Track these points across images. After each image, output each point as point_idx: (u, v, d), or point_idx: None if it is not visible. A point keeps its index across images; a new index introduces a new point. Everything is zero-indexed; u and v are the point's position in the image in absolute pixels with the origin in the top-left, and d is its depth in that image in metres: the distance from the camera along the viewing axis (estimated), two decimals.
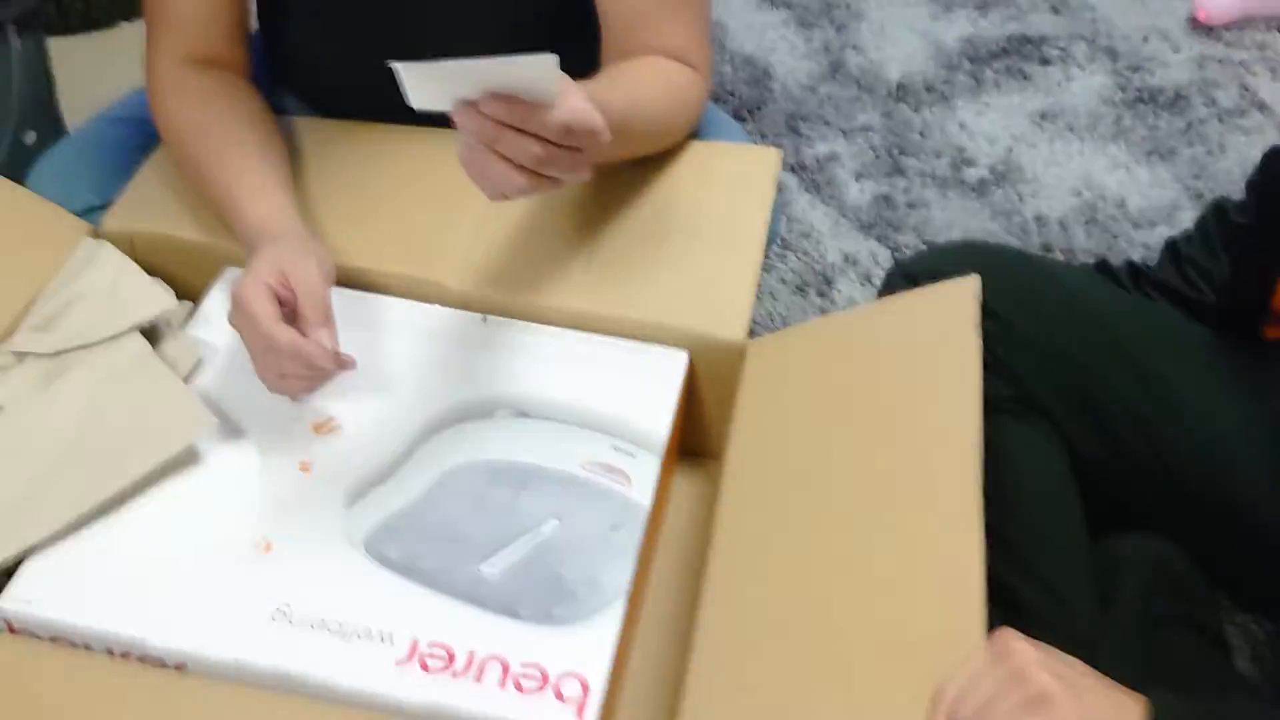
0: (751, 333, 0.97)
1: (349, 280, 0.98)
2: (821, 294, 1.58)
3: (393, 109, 1.08)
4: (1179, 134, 1.88)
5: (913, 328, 0.92)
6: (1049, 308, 1.00)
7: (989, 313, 0.89)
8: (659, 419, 0.93)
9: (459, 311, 1.00)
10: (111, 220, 1.05)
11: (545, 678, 0.77)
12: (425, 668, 0.78)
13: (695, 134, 1.10)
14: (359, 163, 1.09)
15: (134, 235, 1.04)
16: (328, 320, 0.86)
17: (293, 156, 1.06)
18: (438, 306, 1.00)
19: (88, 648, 0.80)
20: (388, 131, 1.10)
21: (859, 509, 0.82)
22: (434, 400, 0.94)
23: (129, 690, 0.76)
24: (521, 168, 0.78)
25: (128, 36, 2.03)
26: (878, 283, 1.59)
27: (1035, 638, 0.71)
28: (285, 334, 0.84)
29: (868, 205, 1.73)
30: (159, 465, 0.85)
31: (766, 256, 1.03)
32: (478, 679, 0.77)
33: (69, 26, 1.99)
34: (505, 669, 0.78)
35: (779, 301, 1.56)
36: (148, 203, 1.06)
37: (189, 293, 1.02)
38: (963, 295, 0.89)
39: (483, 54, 0.72)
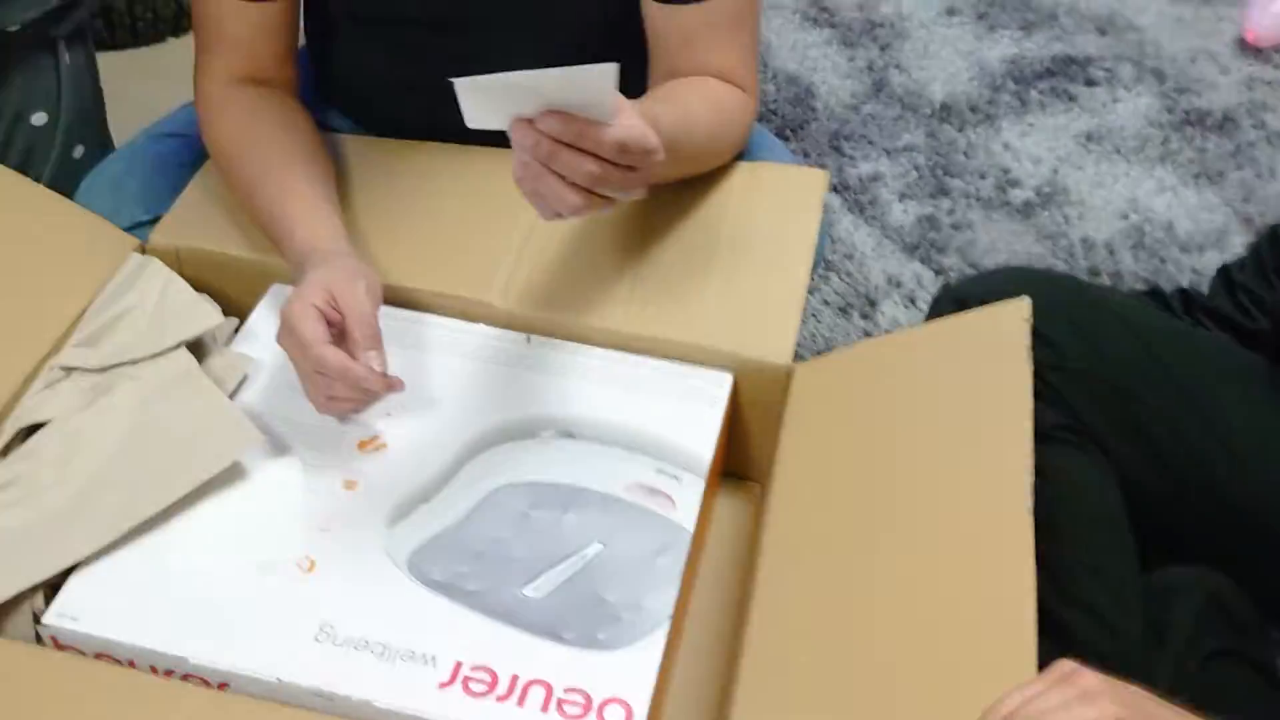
0: (795, 354, 0.96)
1: (394, 299, 0.98)
2: (865, 316, 1.57)
3: (441, 127, 1.10)
4: (1227, 157, 1.86)
5: (962, 352, 0.91)
6: (1101, 334, 0.99)
7: (1040, 339, 0.88)
8: (704, 442, 0.93)
9: (504, 331, 1.00)
10: (159, 236, 1.05)
11: (589, 703, 0.77)
12: (468, 690, 0.77)
13: (742, 154, 1.10)
14: (405, 181, 1.09)
15: (181, 251, 1.04)
16: (376, 342, 0.86)
17: (339, 174, 1.07)
18: (482, 326, 1.00)
19: (131, 664, 0.80)
20: (435, 150, 1.11)
21: (908, 537, 0.81)
22: (478, 420, 0.93)
23: (171, 708, 0.76)
24: (576, 186, 0.78)
25: (175, 52, 2.05)
26: (922, 305, 1.57)
27: None
28: (335, 357, 0.84)
29: (911, 226, 1.71)
30: (205, 482, 0.85)
31: (810, 278, 1.03)
32: (520, 703, 0.77)
33: (117, 42, 2.01)
34: (549, 693, 0.77)
35: (822, 323, 1.55)
36: (195, 219, 1.06)
37: (235, 309, 1.02)
38: (1014, 319, 0.88)
39: None
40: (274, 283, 1.03)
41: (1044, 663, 0.69)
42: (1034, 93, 1.98)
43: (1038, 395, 0.84)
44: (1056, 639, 0.84)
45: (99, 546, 0.82)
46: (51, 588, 0.81)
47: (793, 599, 0.81)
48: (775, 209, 1.06)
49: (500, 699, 0.77)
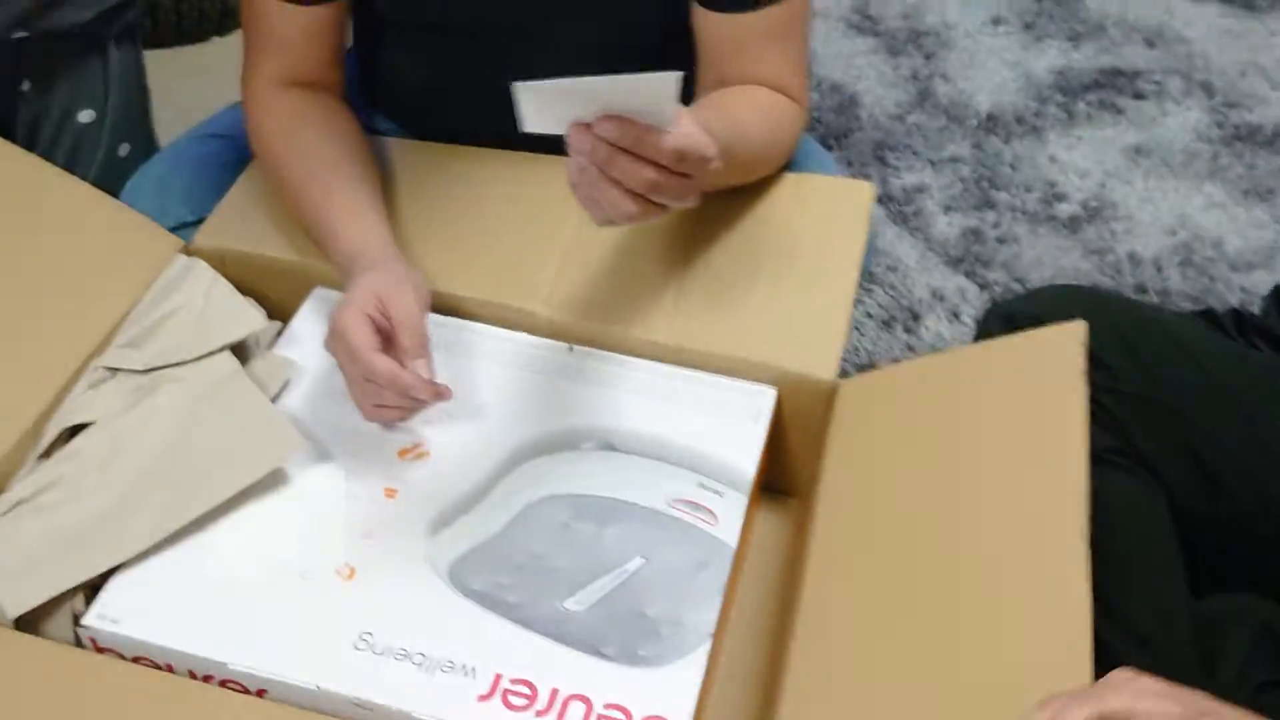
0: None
1: (436, 305, 0.97)
2: (908, 330, 1.55)
3: (485, 132, 1.09)
4: (1278, 174, 1.83)
5: (1015, 373, 0.89)
6: (1154, 356, 0.97)
7: (1092, 360, 0.86)
8: (746, 457, 0.92)
9: (545, 340, 0.99)
10: (203, 237, 1.05)
11: (629, 719, 0.76)
12: (508, 704, 0.76)
13: (789, 165, 1.09)
14: (450, 186, 1.09)
15: (225, 252, 1.04)
16: (425, 350, 0.86)
17: (384, 178, 1.06)
18: (524, 335, 0.99)
19: (170, 669, 0.79)
20: (481, 155, 1.10)
21: (957, 560, 0.80)
22: (520, 429, 0.93)
23: (210, 713, 0.75)
24: (632, 193, 0.77)
25: (219, 51, 2.06)
26: (966, 319, 1.56)
27: None
28: (384, 365, 0.84)
29: (956, 239, 1.70)
30: (247, 486, 0.85)
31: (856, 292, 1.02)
32: (560, 717, 0.76)
33: (161, 40, 2.02)
34: (589, 708, 0.76)
35: (865, 336, 1.54)
36: (240, 220, 1.06)
37: (278, 312, 1.02)
38: (1069, 341, 0.87)
39: None
40: (317, 286, 1.03)
41: None
42: (1081, 105, 1.95)
43: (1089, 417, 0.83)
44: (1105, 667, 0.82)
45: (140, 549, 0.82)
46: (92, 589, 0.81)
47: (837, 619, 0.79)
48: (822, 221, 1.05)
49: (540, 713, 0.76)
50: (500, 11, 1.01)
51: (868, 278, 1.60)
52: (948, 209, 1.75)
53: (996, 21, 2.15)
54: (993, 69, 2.04)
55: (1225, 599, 0.93)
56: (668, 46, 1.03)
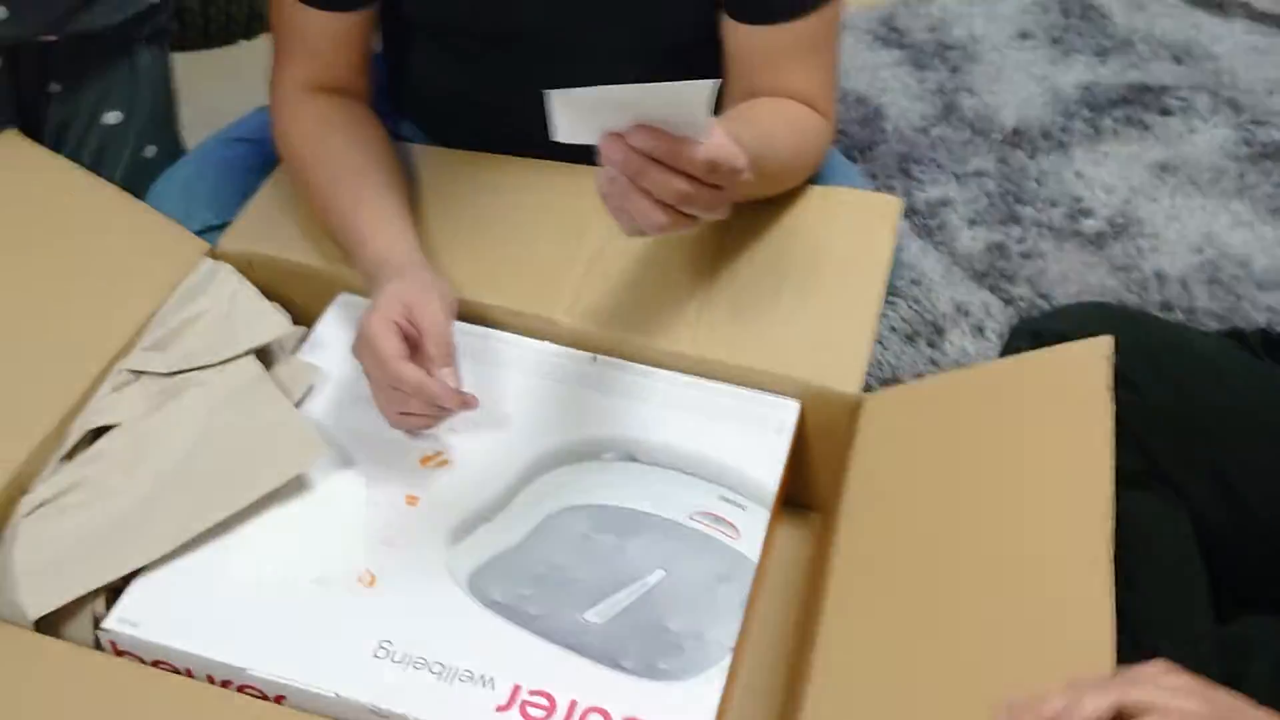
0: None
1: (460, 312, 0.97)
2: (932, 344, 1.54)
3: (512, 140, 1.09)
4: None
5: (1041, 389, 0.89)
6: (1181, 375, 0.96)
7: (1120, 379, 0.86)
8: (769, 470, 0.91)
9: (569, 350, 0.99)
10: (229, 241, 1.05)
11: None
12: (526, 715, 0.76)
13: (815, 177, 1.08)
14: (476, 194, 1.08)
15: (250, 256, 1.04)
16: (451, 359, 0.86)
17: (410, 185, 1.06)
18: (548, 344, 0.99)
19: (189, 673, 0.79)
20: (506, 163, 1.10)
21: (979, 578, 0.79)
22: (542, 439, 0.92)
23: (228, 719, 0.75)
24: (663, 204, 0.76)
25: (245, 55, 2.07)
26: (990, 335, 1.55)
27: None
28: (412, 373, 0.84)
29: (980, 253, 1.69)
30: (269, 492, 0.85)
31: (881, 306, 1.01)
32: None
33: (188, 43, 2.03)
34: None
35: (888, 350, 1.53)
36: (265, 225, 1.06)
37: (302, 317, 1.02)
38: (1094, 357, 0.86)
39: None
40: (341, 292, 1.03)
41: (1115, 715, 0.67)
42: (1108, 120, 1.94)
43: (1115, 436, 0.82)
44: None
45: (162, 553, 0.82)
46: (113, 592, 0.81)
47: (859, 636, 0.79)
48: (848, 235, 1.05)
49: None
50: (529, 17, 1.01)
51: (891, 291, 1.59)
52: (972, 223, 1.74)
53: (1023, 36, 2.14)
54: (1019, 83, 2.03)
55: (1250, 621, 0.92)
56: (696, 55, 1.03)
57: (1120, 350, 0.87)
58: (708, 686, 0.78)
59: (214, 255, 1.04)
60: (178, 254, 1.03)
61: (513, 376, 0.97)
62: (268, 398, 0.91)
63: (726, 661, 0.79)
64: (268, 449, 0.87)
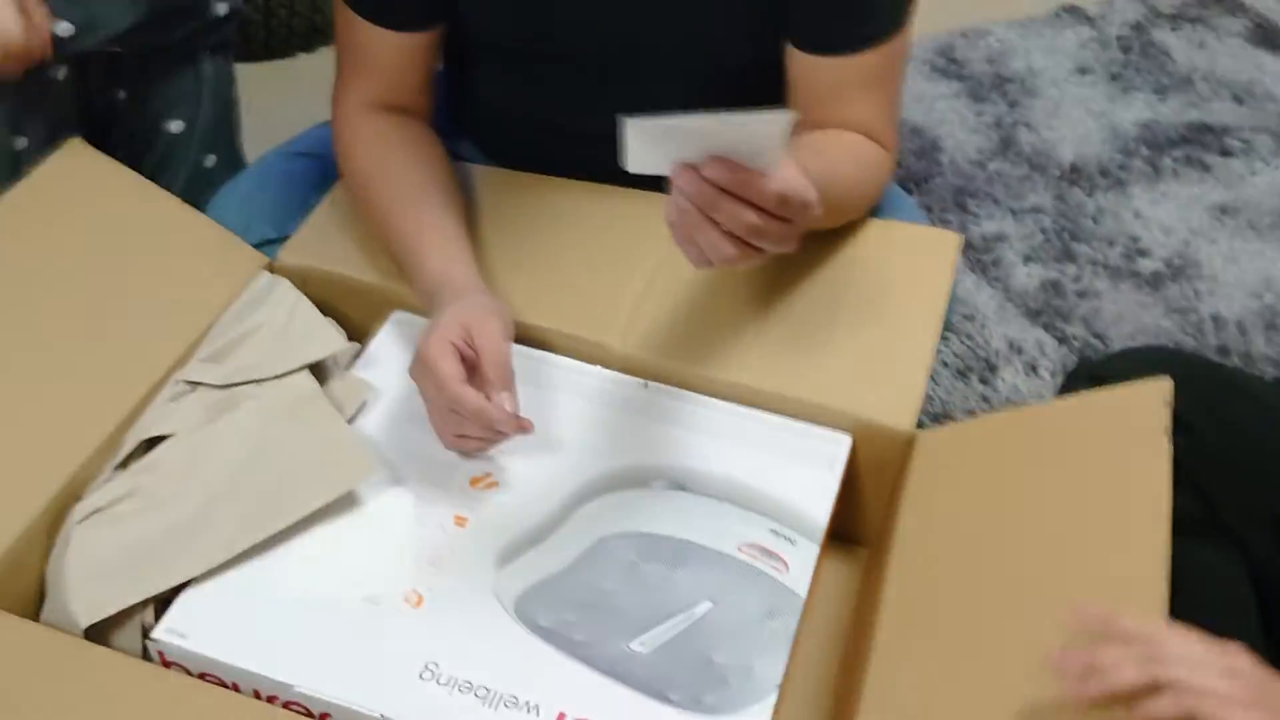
0: None
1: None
2: (984, 381, 1.53)
3: (572, 163, 1.10)
4: None
5: (1097, 432, 0.88)
6: (1242, 422, 0.95)
7: (1178, 424, 0.84)
8: (819, 505, 0.90)
9: (620, 375, 0.99)
10: (287, 255, 1.06)
11: None
12: None
13: (873, 210, 1.08)
14: (532, 215, 1.09)
15: (307, 271, 1.05)
16: (509, 383, 0.86)
17: (468, 204, 1.07)
18: (599, 368, 0.99)
19: (235, 687, 0.79)
20: (564, 185, 1.10)
21: (1031, 621, 0.78)
22: (591, 464, 0.92)
23: None
24: (733, 236, 0.76)
25: (304, 68, 2.09)
26: (1044, 373, 1.53)
27: None
28: (471, 397, 0.84)
29: (1035, 290, 1.67)
30: (320, 508, 0.85)
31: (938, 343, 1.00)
32: None
33: (250, 55, 2.05)
34: None
35: (940, 385, 1.52)
36: (322, 240, 1.07)
37: (356, 333, 1.03)
38: (1152, 400, 0.85)
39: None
40: (396, 309, 1.03)
41: None
42: (1167, 160, 1.92)
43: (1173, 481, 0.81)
44: None
45: (212, 565, 0.82)
46: (162, 602, 0.82)
47: (908, 675, 0.78)
48: (905, 270, 1.04)
49: None
50: (590, 39, 1.01)
51: (945, 325, 1.58)
52: (1028, 259, 1.73)
53: (1082, 71, 2.13)
54: (1077, 119, 2.01)
55: None
56: (759, 84, 1.03)
57: (1179, 395, 0.85)
58: None
59: (271, 269, 1.05)
60: (236, 266, 1.04)
61: (563, 400, 0.96)
62: (321, 413, 0.91)
63: (773, 699, 0.79)
64: (320, 465, 0.88)
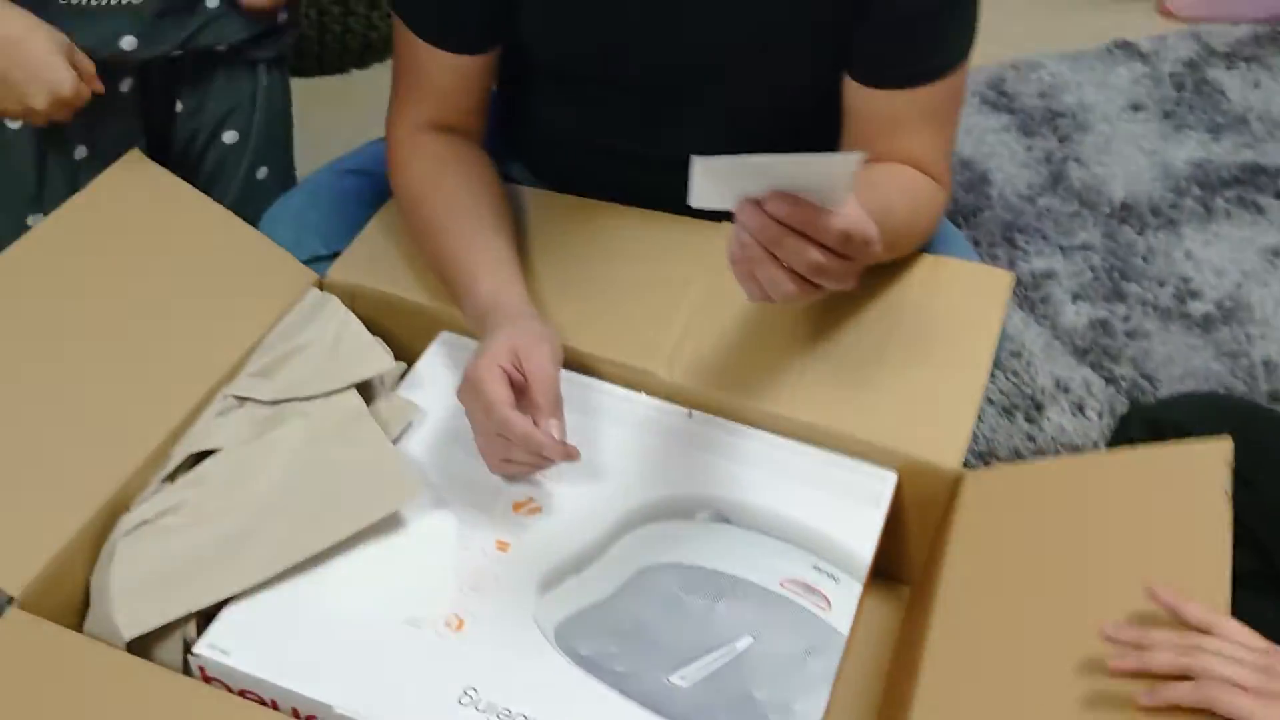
0: None
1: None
2: (1030, 419, 1.51)
3: (622, 188, 1.10)
4: None
5: (1155, 486, 0.86)
6: None
7: (1237, 478, 0.83)
8: (863, 542, 0.90)
9: (664, 404, 0.98)
10: (336, 272, 1.07)
11: None
12: None
13: (925, 245, 1.07)
14: (581, 239, 1.09)
15: (355, 289, 1.05)
16: (558, 409, 0.86)
17: (518, 226, 1.07)
18: (643, 396, 0.99)
19: (274, 705, 0.79)
20: (613, 210, 1.10)
21: (1082, 676, 0.77)
22: (635, 492, 0.92)
23: None
24: (794, 273, 0.76)
25: (356, 84, 2.10)
26: (1090, 413, 1.51)
27: None
28: (520, 422, 0.84)
29: (1084, 329, 1.65)
30: (365, 528, 0.85)
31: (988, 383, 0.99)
32: None
33: (303, 69, 2.06)
34: None
35: (984, 423, 1.50)
36: (372, 259, 1.08)
37: (403, 352, 1.03)
38: (1213, 458, 0.83)
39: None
40: (443, 330, 1.03)
41: None
42: (1220, 200, 1.90)
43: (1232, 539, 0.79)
44: None
45: (255, 582, 0.82)
46: (204, 617, 0.82)
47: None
48: (956, 307, 1.03)
49: None
50: (649, 65, 1.01)
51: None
52: (1076, 298, 1.71)
53: (1135, 107, 2.11)
54: (1129, 156, 1.99)
55: None
56: (815, 115, 1.02)
57: (1240, 447, 0.84)
58: None
59: (321, 285, 1.05)
60: (287, 282, 1.04)
61: (607, 427, 0.96)
62: (367, 433, 0.91)
63: None
64: (365, 484, 0.88)
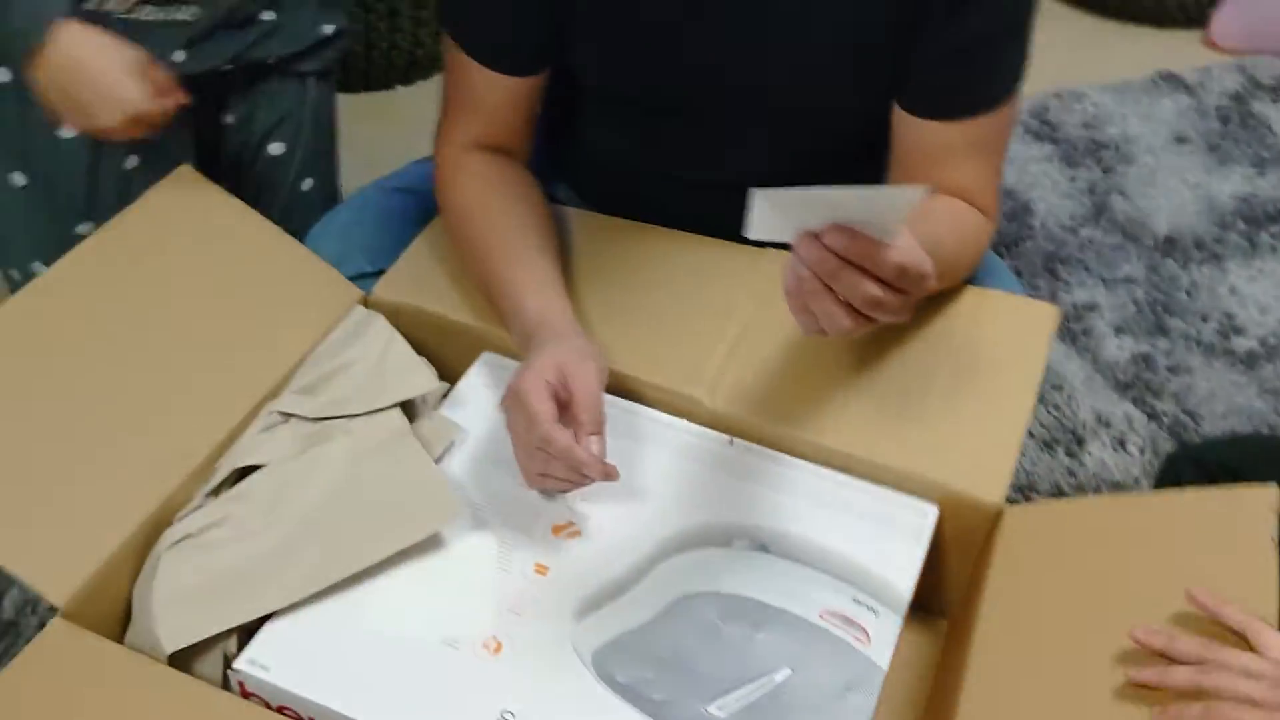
0: None
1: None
2: (1070, 454, 1.50)
3: (667, 213, 1.10)
4: None
5: (1199, 530, 0.85)
6: None
7: None
8: (904, 577, 0.89)
9: (706, 430, 0.98)
10: (382, 290, 1.07)
11: None
12: None
13: (970, 277, 1.06)
14: (625, 261, 1.09)
15: (400, 307, 1.06)
16: (601, 428, 0.86)
17: (564, 248, 1.07)
18: (684, 422, 0.99)
19: None
20: (658, 234, 1.10)
21: (1122, 714, 0.76)
22: (674, 519, 0.91)
23: None
24: (849, 306, 0.76)
25: (400, 101, 2.12)
26: (1131, 449, 1.50)
27: None
28: (562, 437, 0.84)
29: (1125, 363, 1.64)
30: (406, 548, 0.85)
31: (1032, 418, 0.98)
32: None
33: (348, 85, 2.08)
34: None
35: (1025, 456, 1.49)
36: (416, 277, 1.08)
37: (445, 372, 1.03)
38: (1258, 505, 0.82)
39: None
40: (485, 350, 1.03)
41: None
42: (1265, 235, 1.88)
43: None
44: None
45: (297, 599, 0.83)
46: (245, 633, 0.82)
47: None
48: (1001, 341, 1.02)
49: None
50: (716, 92, 1.01)
51: None
52: (1119, 331, 1.70)
53: (1180, 140, 2.10)
54: (1173, 189, 1.98)
55: None
56: (863, 144, 1.02)
57: None
58: None
59: (366, 303, 1.06)
60: (333, 300, 1.05)
61: (648, 452, 0.96)
62: (410, 452, 0.91)
63: None
64: (407, 504, 0.88)
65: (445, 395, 1.00)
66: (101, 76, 1.02)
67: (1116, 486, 1.47)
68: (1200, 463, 0.95)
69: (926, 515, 0.93)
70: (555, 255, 1.02)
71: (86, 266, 1.01)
